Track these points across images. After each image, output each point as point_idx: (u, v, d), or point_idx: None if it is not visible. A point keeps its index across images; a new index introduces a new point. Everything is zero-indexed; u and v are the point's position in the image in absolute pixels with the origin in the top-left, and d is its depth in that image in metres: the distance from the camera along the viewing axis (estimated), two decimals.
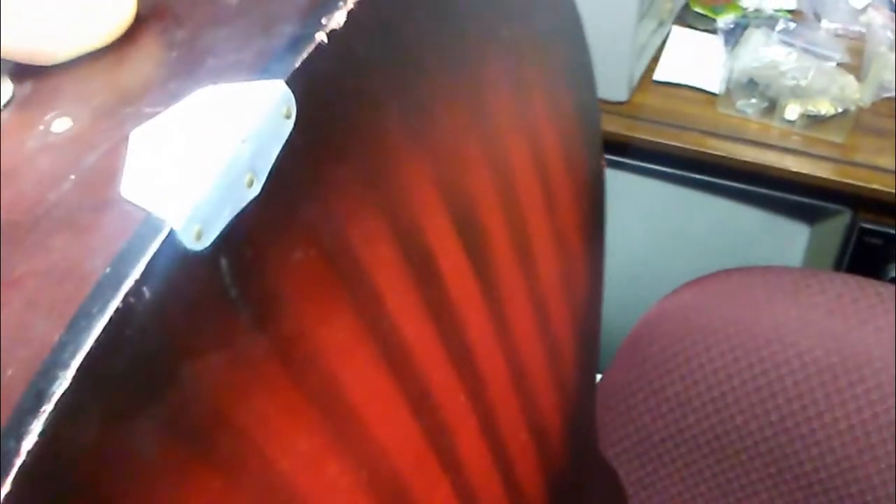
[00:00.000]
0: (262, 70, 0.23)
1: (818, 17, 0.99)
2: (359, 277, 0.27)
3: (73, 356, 0.18)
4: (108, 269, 0.19)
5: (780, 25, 0.96)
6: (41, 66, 0.27)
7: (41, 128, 0.24)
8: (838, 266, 0.99)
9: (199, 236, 0.21)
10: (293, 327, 0.25)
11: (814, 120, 0.91)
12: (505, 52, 0.36)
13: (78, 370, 0.18)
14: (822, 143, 0.90)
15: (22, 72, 0.27)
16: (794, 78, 0.90)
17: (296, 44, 0.24)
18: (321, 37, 0.24)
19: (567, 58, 0.43)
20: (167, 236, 0.20)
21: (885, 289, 0.71)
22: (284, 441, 0.25)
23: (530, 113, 0.39)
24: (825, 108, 0.90)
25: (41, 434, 0.18)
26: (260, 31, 0.26)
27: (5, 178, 0.23)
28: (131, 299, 0.19)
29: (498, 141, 0.36)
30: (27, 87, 0.26)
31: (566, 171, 0.44)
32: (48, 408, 0.18)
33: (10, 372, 0.18)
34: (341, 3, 0.25)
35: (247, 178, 0.22)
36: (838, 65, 0.95)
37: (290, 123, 0.23)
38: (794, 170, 0.89)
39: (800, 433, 0.72)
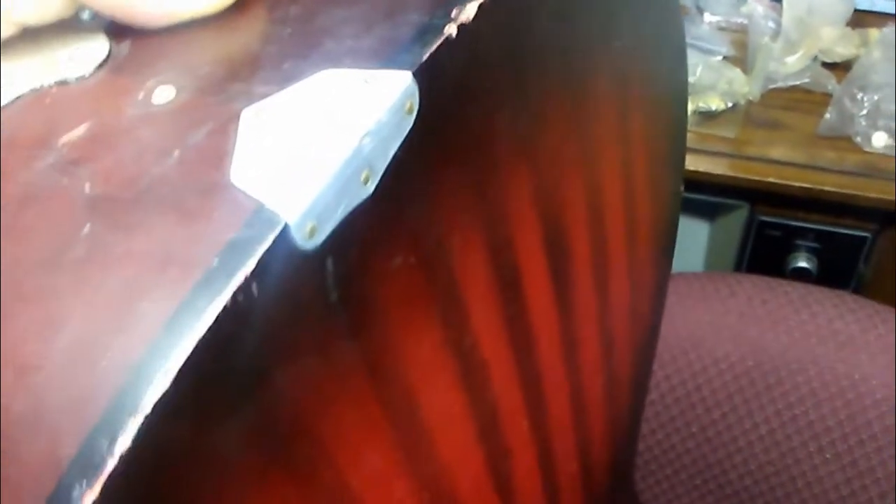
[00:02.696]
0: (386, 59, 0.22)
1: (700, 11, 0.98)
2: (451, 290, 0.27)
3: (176, 352, 0.17)
4: (216, 261, 0.18)
5: None
6: (140, 29, 0.25)
7: (141, 95, 0.23)
8: (740, 260, 1.01)
9: (312, 233, 0.19)
10: (383, 337, 0.24)
11: (705, 116, 0.91)
12: (612, 63, 0.35)
13: (181, 368, 0.17)
14: (715, 140, 0.90)
15: (119, 31, 0.25)
16: None
17: (423, 35, 0.23)
18: (451, 29, 0.23)
19: (667, 73, 0.43)
20: (280, 231, 0.19)
21: (791, 288, 0.71)
22: (358, 456, 0.24)
23: (627, 130, 0.39)
24: (715, 103, 0.91)
25: (136, 436, 0.16)
26: (382, 16, 0.24)
27: (102, 146, 0.22)
28: (240, 296, 0.18)
29: (593, 157, 0.35)
30: (124, 48, 0.25)
31: (650, 199, 0.43)
32: (146, 407, 0.17)
33: (104, 363, 0.17)
34: None
35: (363, 175, 0.21)
36: (724, 58, 0.95)
37: (411, 119, 0.22)
38: (691, 168, 0.89)
39: (721, 441, 0.73)
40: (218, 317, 0.17)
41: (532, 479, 0.37)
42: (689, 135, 0.91)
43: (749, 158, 0.89)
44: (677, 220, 0.51)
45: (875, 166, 0.89)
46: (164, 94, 0.23)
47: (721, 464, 0.72)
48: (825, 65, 0.95)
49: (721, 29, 0.98)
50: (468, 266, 0.27)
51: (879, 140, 0.89)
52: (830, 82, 0.92)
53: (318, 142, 0.20)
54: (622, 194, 0.39)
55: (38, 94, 0.23)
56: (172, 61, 0.24)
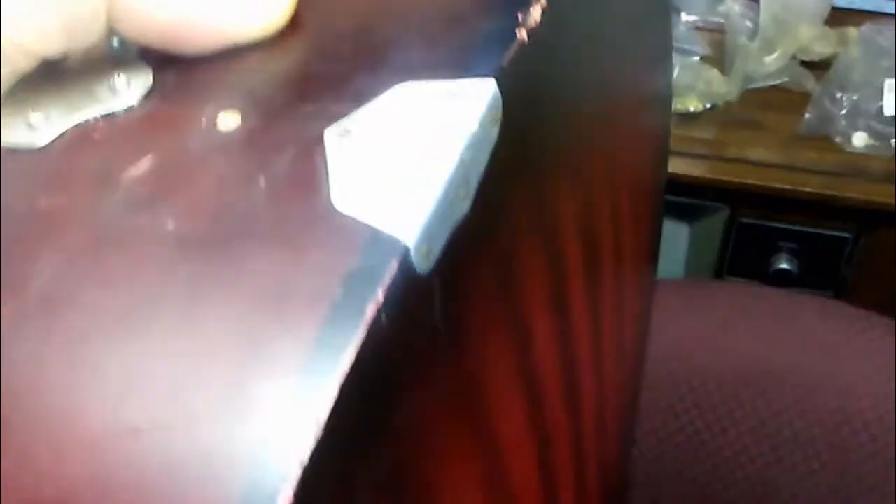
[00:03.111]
0: (463, 68, 0.21)
1: (677, 11, 0.98)
2: (520, 306, 0.26)
3: (321, 398, 0.16)
4: (339, 293, 0.17)
5: None
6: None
7: (203, 123, 0.21)
8: (721, 262, 1.01)
9: (428, 255, 0.19)
10: (472, 360, 0.23)
11: (684, 118, 0.91)
12: (620, 68, 0.36)
13: (329, 416, 0.16)
14: (694, 141, 0.90)
15: (161, 58, 0.24)
16: None
17: (496, 40, 0.22)
18: (522, 34, 0.22)
19: (655, 76, 0.43)
20: (402, 256, 0.18)
21: (774, 295, 0.71)
22: (454, 489, 0.24)
23: (635, 137, 0.39)
24: (694, 104, 0.91)
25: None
26: (443, 26, 0.24)
27: (174, 180, 0.20)
28: (373, 329, 0.17)
29: (614, 166, 0.36)
30: (170, 75, 0.23)
31: (642, 207, 0.44)
32: (295, 466, 0.15)
33: (236, 417, 0.16)
34: None
35: (462, 191, 0.20)
36: (702, 58, 0.95)
37: (497, 129, 0.21)
38: (670, 170, 0.88)
39: (707, 452, 0.73)
40: (357, 354, 0.16)
41: (570, 499, 0.37)
42: None
43: (728, 160, 0.90)
44: (661, 225, 0.51)
45: (856, 166, 0.89)
46: (229, 121, 0.22)
47: (708, 474, 0.71)
48: (804, 64, 0.95)
49: (698, 29, 0.98)
50: (532, 281, 0.27)
51: (860, 140, 0.89)
52: (809, 81, 0.93)
53: (419, 158, 0.19)
54: (630, 204, 0.40)
55: (83, 130, 0.22)
56: (228, 86, 0.23)
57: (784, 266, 0.96)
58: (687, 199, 0.94)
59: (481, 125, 0.20)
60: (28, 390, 0.17)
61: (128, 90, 0.23)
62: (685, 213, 0.97)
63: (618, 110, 0.36)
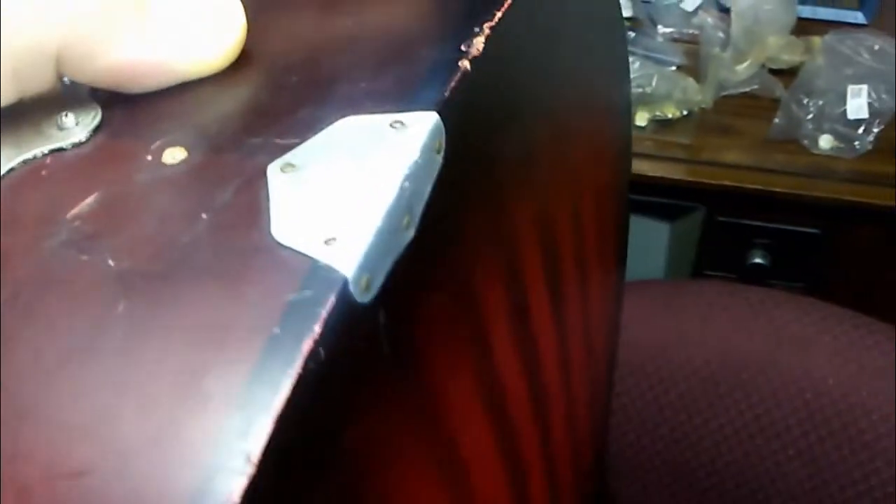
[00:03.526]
0: (407, 100, 0.21)
1: (654, 23, 1.01)
2: (479, 326, 0.26)
3: (255, 433, 0.15)
4: (277, 329, 0.16)
5: None
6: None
7: (148, 158, 0.21)
8: (699, 258, 1.03)
9: (367, 286, 0.18)
10: (429, 385, 0.23)
11: (662, 124, 0.94)
12: (577, 81, 0.35)
13: (263, 451, 0.15)
14: (672, 146, 0.93)
15: (108, 94, 0.23)
16: (639, 86, 0.92)
17: (439, 71, 0.22)
18: (464, 64, 0.22)
19: (611, 82, 0.43)
20: (341, 288, 0.17)
21: (751, 293, 0.73)
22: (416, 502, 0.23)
23: (593, 146, 0.39)
24: (671, 112, 0.93)
25: None
26: (390, 55, 0.23)
27: (118, 216, 0.20)
28: (311, 363, 0.16)
29: (572, 175, 0.35)
30: (117, 110, 0.23)
31: (606, 210, 0.43)
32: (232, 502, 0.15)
33: (171, 455, 0.15)
34: (477, 29, 0.23)
35: (405, 220, 0.19)
36: (678, 68, 0.97)
37: (440, 159, 0.21)
38: (650, 174, 0.92)
39: (689, 443, 0.73)
40: (293, 388, 0.16)
41: (542, 499, 0.37)
42: (647, 142, 0.94)
43: (704, 163, 0.92)
44: (628, 226, 0.51)
45: (822, 167, 0.92)
46: (174, 156, 0.21)
47: (689, 463, 0.72)
48: (772, 72, 0.97)
49: (674, 40, 1.00)
50: (490, 300, 0.26)
51: (826, 142, 0.92)
52: (778, 88, 0.95)
53: (358, 190, 0.19)
54: (594, 209, 0.39)
55: (31, 167, 0.21)
56: (175, 120, 0.22)
57: (758, 261, 0.99)
58: (666, 200, 0.96)
59: (422, 155, 0.20)
60: None
61: (76, 127, 0.22)
62: (665, 214, 1.00)
63: (572, 122, 0.35)
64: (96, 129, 0.22)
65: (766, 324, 0.71)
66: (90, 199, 0.20)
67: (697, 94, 0.93)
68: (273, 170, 0.20)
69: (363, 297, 0.18)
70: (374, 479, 0.20)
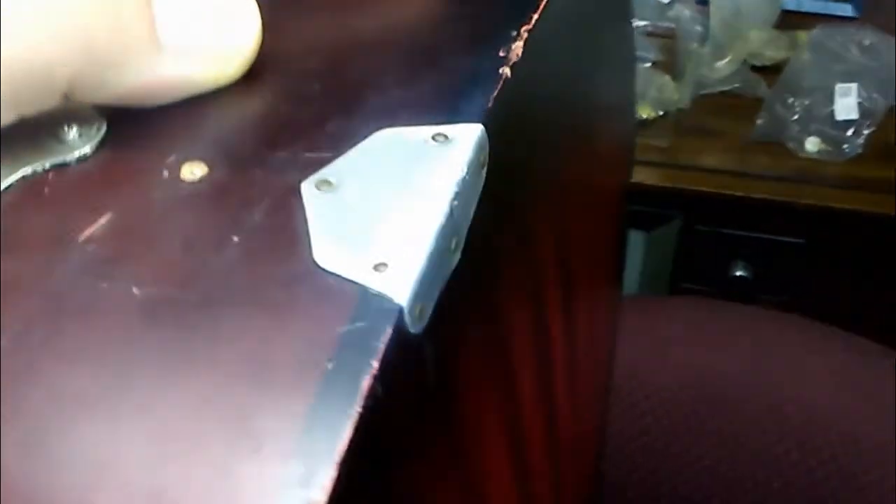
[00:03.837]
0: (449, 110, 0.21)
1: None
2: (507, 353, 0.26)
3: (315, 488, 0.15)
4: (330, 364, 0.16)
5: None
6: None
7: (165, 174, 0.20)
8: (676, 270, 1.01)
9: (421, 315, 0.18)
10: (465, 419, 0.23)
11: (637, 125, 0.90)
12: (594, 93, 0.36)
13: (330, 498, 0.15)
14: (646, 149, 0.91)
15: (116, 108, 0.23)
16: None
17: (480, 79, 0.22)
18: (505, 71, 0.22)
19: (621, 92, 0.44)
20: (396, 318, 0.17)
21: (732, 310, 0.71)
22: None
23: (606, 155, 0.39)
24: (646, 112, 0.92)
25: None
26: (423, 61, 0.23)
27: (136, 239, 0.19)
28: (370, 401, 0.16)
29: (586, 186, 0.36)
30: (126, 122, 0.22)
31: (607, 227, 0.44)
32: None
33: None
34: (515, 33, 0.23)
35: (454, 242, 0.19)
36: (653, 64, 0.95)
37: (484, 174, 0.21)
38: None
39: (667, 473, 0.72)
40: (354, 430, 0.15)
41: None
42: None
43: (681, 167, 0.90)
44: (625, 236, 0.52)
45: (809, 172, 0.90)
46: (193, 171, 0.20)
47: (668, 496, 0.70)
48: (755, 69, 0.95)
49: (649, 34, 0.98)
50: (517, 325, 0.27)
51: (812, 145, 0.90)
52: (761, 86, 0.93)
53: (405, 210, 0.19)
54: (598, 231, 0.40)
55: (31, 183, 0.20)
56: (191, 133, 0.22)
57: (740, 273, 0.97)
58: (641, 207, 0.93)
59: (469, 171, 0.19)
60: None
61: (79, 140, 0.21)
62: (639, 222, 0.98)
63: (592, 130, 0.36)
64: (102, 143, 0.21)
65: (749, 343, 0.69)
66: (103, 220, 0.20)
67: (674, 93, 0.91)
68: (307, 187, 0.19)
69: (416, 326, 0.18)
70: None
